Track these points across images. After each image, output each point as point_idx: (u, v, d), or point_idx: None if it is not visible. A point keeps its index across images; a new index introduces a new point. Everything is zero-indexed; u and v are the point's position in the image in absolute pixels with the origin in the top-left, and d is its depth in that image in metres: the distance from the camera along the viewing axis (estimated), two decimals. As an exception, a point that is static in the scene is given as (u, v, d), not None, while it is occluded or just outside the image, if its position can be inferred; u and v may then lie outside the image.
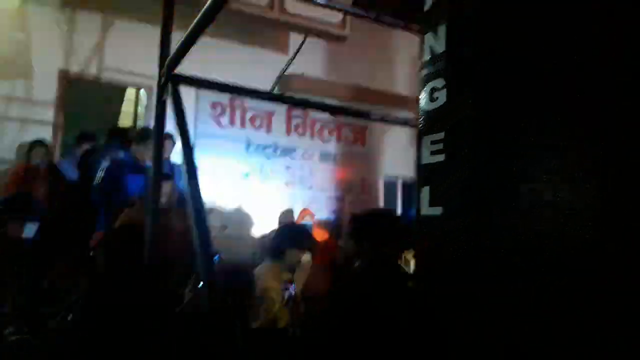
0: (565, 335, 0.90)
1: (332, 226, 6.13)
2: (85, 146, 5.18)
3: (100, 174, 4.03)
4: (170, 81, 2.09)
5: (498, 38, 1.14)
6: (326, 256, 5.11)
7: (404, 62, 7.26)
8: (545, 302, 0.94)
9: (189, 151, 1.96)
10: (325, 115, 6.96)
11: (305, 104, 4.10)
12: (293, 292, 2.93)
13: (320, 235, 5.39)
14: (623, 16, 0.90)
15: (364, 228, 2.51)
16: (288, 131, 6.84)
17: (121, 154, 4.52)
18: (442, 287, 1.20)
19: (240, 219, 6.27)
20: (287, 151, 6.80)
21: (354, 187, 7.18)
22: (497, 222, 1.06)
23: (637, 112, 0.86)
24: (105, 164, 4.15)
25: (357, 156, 7.27)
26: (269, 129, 6.72)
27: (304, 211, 5.80)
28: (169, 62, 2.16)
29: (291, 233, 3.15)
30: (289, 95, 6.01)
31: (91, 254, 2.76)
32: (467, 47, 1.21)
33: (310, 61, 6.80)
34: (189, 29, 1.88)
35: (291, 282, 3.00)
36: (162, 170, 2.49)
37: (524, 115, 1.05)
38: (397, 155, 7.22)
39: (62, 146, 5.66)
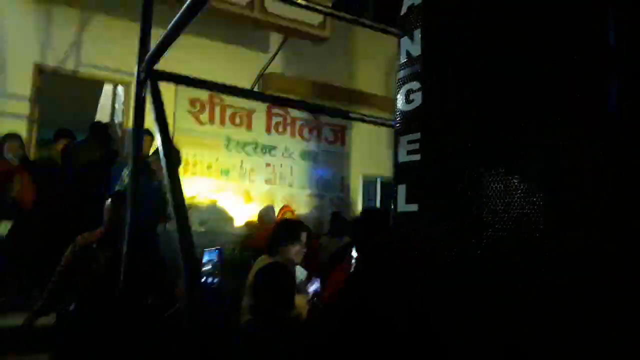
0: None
1: (312, 224, 6.17)
2: (62, 142, 5.12)
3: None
4: (149, 77, 2.09)
5: (470, 43, 1.19)
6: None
7: (384, 63, 7.33)
8: (508, 292, 0.99)
9: (168, 148, 1.96)
10: (305, 114, 7.00)
11: (283, 102, 4.12)
12: (318, 288, 2.92)
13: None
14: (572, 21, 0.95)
15: (361, 225, 2.54)
16: (268, 129, 6.85)
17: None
18: (418, 279, 1.24)
19: (220, 216, 6.26)
20: (268, 149, 6.81)
21: (333, 185, 7.23)
22: (469, 219, 1.11)
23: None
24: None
25: (337, 155, 7.33)
26: (249, 127, 6.71)
27: (284, 208, 5.82)
28: (148, 59, 2.16)
29: (281, 229, 3.17)
30: (268, 94, 6.04)
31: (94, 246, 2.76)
32: (441, 51, 1.26)
33: (291, 61, 6.83)
34: (170, 26, 1.89)
35: (316, 277, 3.00)
36: (141, 166, 2.49)
37: (496, 116, 1.10)
38: (376, 155, 7.28)
39: (37, 140, 5.56)
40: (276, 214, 5.88)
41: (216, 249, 2.97)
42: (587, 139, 0.94)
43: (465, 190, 1.10)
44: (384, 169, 7.34)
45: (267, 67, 6.68)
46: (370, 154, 7.36)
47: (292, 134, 7.03)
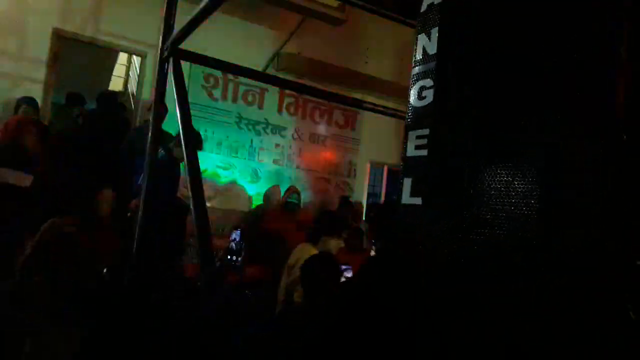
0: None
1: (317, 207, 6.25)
2: (76, 108, 5.19)
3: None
4: (173, 56, 2.13)
5: (482, 44, 1.23)
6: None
7: (399, 50, 7.30)
8: (508, 291, 1.04)
9: (188, 127, 2.01)
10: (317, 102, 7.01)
11: (296, 88, 4.14)
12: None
13: (306, 214, 5.50)
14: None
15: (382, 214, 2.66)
16: (280, 109, 6.88)
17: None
18: (420, 274, 1.30)
19: (226, 193, 6.34)
20: (278, 129, 6.85)
21: (341, 169, 7.28)
22: (469, 217, 1.16)
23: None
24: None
25: (346, 140, 7.35)
26: (260, 106, 6.75)
27: (291, 189, 5.88)
28: (174, 39, 2.19)
29: (326, 220, 3.32)
30: (283, 75, 6.06)
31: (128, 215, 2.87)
32: (456, 52, 1.29)
33: (307, 42, 6.82)
34: (198, 9, 1.91)
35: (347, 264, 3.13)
36: (160, 139, 2.54)
37: (499, 115, 1.14)
38: (385, 142, 7.31)
39: (52, 105, 5.64)
40: (282, 194, 5.95)
41: (239, 228, 3.11)
42: (587, 137, 0.98)
43: (467, 189, 1.15)
44: (392, 157, 7.38)
45: (283, 46, 6.68)
46: (379, 141, 7.38)
47: (304, 116, 7.06)
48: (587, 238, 0.93)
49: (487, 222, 1.09)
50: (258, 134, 6.71)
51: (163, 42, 2.24)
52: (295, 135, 6.97)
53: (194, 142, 2.43)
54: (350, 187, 7.29)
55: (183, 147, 2.00)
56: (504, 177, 1.07)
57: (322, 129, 7.18)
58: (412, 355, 1.24)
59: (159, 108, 2.33)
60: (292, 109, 6.98)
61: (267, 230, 4.85)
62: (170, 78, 2.14)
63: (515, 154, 1.07)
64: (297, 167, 6.94)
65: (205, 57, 2.46)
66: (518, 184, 1.06)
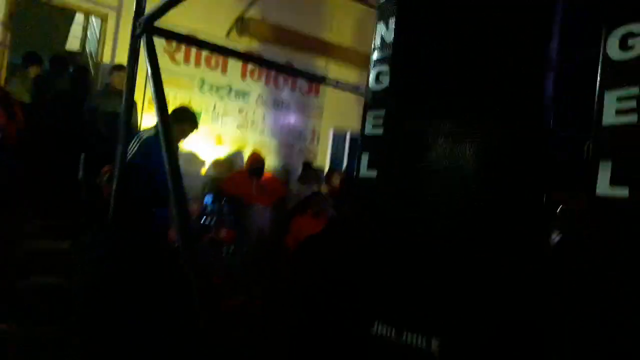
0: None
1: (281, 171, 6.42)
2: (35, 70, 5.09)
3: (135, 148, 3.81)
4: (146, 33, 2.19)
5: (435, 37, 1.40)
6: (273, 198, 5.41)
7: (362, 19, 7.37)
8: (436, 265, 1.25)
9: (163, 101, 2.11)
10: (282, 62, 7.04)
11: (256, 61, 4.20)
12: None
13: (269, 179, 5.65)
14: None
15: None
16: (244, 75, 6.89)
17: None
18: (371, 235, 1.50)
19: (189, 157, 6.39)
20: (241, 94, 6.89)
21: (304, 135, 7.42)
22: (416, 186, 1.36)
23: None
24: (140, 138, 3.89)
25: (310, 106, 7.47)
26: (224, 71, 6.74)
27: (254, 154, 5.99)
28: (149, 16, 2.23)
29: None
30: (247, 40, 6.05)
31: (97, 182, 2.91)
32: (410, 42, 1.46)
33: (271, 7, 6.79)
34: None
35: None
36: (132, 104, 2.61)
37: (445, 106, 1.33)
38: (348, 109, 7.45)
39: (9, 65, 5.48)
40: (244, 159, 6.05)
41: (211, 193, 3.27)
42: (518, 128, 1.18)
43: (415, 164, 1.35)
44: (354, 124, 7.56)
45: (246, 10, 6.64)
46: (342, 108, 7.52)
47: (267, 82, 7.10)
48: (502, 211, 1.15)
49: (429, 192, 1.30)
50: (221, 98, 6.73)
51: (135, 18, 2.29)
52: (259, 101, 7.02)
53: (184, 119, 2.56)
54: (313, 153, 7.46)
55: (157, 115, 2.10)
56: (446, 157, 1.27)
57: (285, 95, 7.25)
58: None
59: (131, 82, 2.40)
60: (255, 75, 7.00)
61: (231, 195, 4.98)
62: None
63: (457, 137, 1.27)
64: (261, 133, 7.03)
65: (180, 34, 2.53)
66: (457, 163, 1.26)
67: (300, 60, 6.75)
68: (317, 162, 7.35)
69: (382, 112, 1.50)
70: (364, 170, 1.53)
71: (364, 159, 1.55)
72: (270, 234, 4.74)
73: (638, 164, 0.97)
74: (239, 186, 5.23)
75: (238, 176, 5.63)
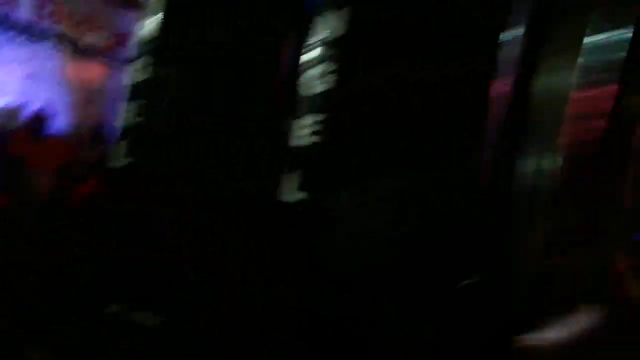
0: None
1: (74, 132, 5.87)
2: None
3: None
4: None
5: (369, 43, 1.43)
6: (58, 160, 4.90)
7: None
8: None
9: None
10: (88, 8, 6.35)
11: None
12: None
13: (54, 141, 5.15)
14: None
15: None
16: (40, 16, 6.02)
17: None
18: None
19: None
20: (35, 38, 6.01)
21: (104, 93, 6.77)
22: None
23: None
24: None
25: (114, 61, 6.83)
26: (14, 7, 5.81)
27: (41, 111, 5.36)
28: None
29: None
30: None
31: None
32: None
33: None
34: None
35: None
36: None
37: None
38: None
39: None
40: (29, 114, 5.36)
41: None
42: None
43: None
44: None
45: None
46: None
47: (68, 28, 6.31)
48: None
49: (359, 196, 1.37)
50: (8, 40, 5.80)
51: None
52: (56, 49, 6.22)
53: None
54: (112, 112, 6.87)
55: None
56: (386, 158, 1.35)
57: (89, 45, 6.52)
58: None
59: None
60: (55, 18, 6.17)
61: (8, 155, 4.42)
62: None
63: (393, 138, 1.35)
64: (54, 86, 6.23)
65: None
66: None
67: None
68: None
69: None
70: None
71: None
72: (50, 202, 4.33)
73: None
74: (19, 147, 4.67)
75: (19, 135, 5.00)
